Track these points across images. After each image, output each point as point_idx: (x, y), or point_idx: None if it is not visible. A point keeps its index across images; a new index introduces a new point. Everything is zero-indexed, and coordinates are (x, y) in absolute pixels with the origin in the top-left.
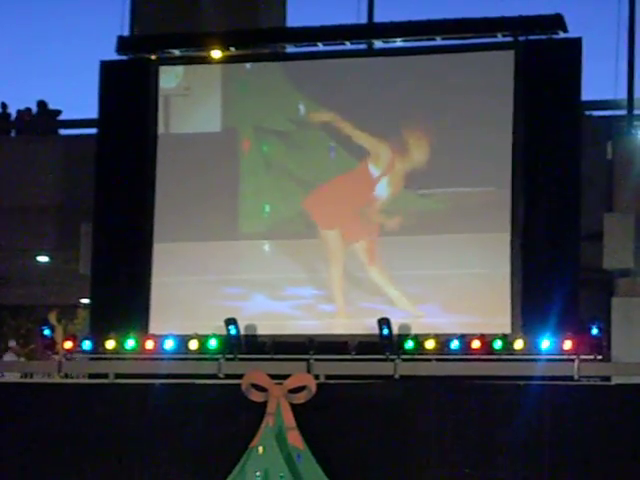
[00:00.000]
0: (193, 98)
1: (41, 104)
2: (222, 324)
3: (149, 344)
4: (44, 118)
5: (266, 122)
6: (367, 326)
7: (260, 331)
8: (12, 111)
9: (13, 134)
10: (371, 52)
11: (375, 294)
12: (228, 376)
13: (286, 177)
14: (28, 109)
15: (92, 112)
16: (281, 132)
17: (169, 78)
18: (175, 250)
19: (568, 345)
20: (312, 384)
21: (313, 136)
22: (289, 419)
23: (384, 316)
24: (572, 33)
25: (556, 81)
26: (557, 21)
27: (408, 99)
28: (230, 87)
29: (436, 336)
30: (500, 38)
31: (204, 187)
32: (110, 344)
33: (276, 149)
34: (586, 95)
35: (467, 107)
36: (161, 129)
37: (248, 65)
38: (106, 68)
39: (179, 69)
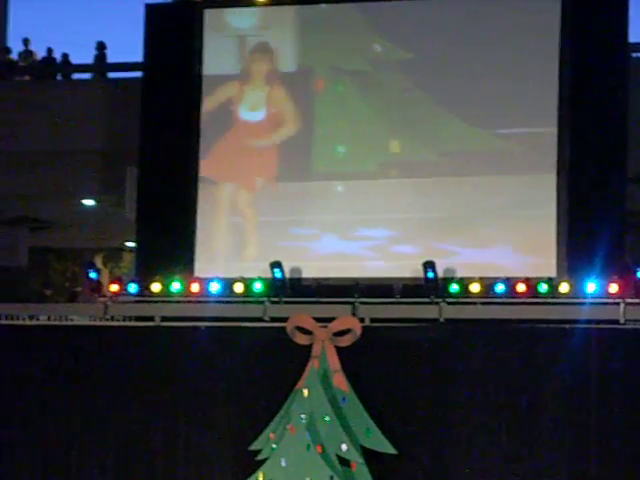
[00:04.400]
0: (269, 38)
1: (100, 45)
2: (267, 267)
3: (194, 287)
4: (91, 63)
5: (341, 62)
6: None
7: (333, 272)
8: (58, 54)
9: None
10: None
11: (444, 235)
12: (273, 319)
13: (361, 118)
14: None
15: (136, 56)
16: (356, 72)
17: (245, 18)
18: (222, 192)
19: (614, 288)
20: (357, 327)
21: (389, 76)
22: (334, 362)
23: (430, 259)
24: None
25: (603, 22)
26: None
27: (463, 43)
28: (305, 27)
29: (481, 279)
30: None
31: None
32: (156, 287)
33: (351, 89)
34: (633, 37)
35: (513, 49)
36: (234, 69)
37: (323, 5)
38: (151, 11)
39: (255, 9)
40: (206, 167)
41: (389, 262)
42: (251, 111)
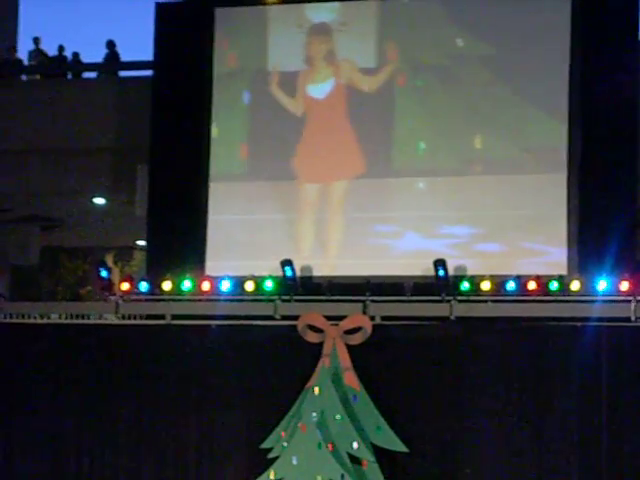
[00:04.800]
0: (349, 34)
1: (110, 44)
2: (278, 265)
3: (205, 285)
4: (102, 61)
5: (422, 57)
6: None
7: (416, 270)
8: (69, 53)
9: (69, 77)
10: None
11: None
12: (284, 317)
13: (443, 113)
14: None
15: (145, 54)
16: (438, 67)
17: (324, 14)
18: (232, 189)
19: (625, 286)
20: (368, 325)
21: (471, 71)
22: (345, 360)
23: (440, 258)
24: None
25: (614, 19)
26: None
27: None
28: (386, 22)
29: (492, 277)
30: None
31: (359, 125)
32: (167, 285)
33: (432, 84)
34: None
35: (522, 48)
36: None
37: None
38: (161, 10)
39: (335, 5)
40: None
41: (473, 260)
42: (318, 84)
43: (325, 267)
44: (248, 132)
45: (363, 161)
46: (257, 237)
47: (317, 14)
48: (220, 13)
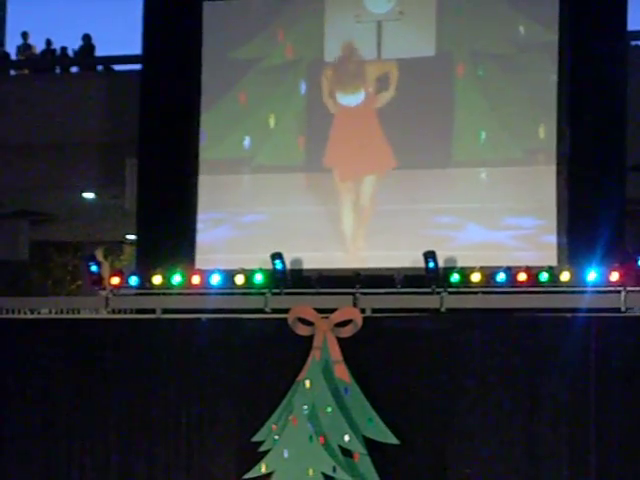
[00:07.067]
0: (407, 23)
1: (86, 37)
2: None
3: (195, 279)
4: (86, 56)
5: (483, 46)
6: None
7: (480, 262)
8: (57, 47)
9: (58, 71)
10: None
11: None
12: (274, 310)
13: (504, 102)
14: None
15: (127, 49)
16: (499, 55)
17: (381, 3)
18: (224, 183)
19: (615, 277)
20: (358, 317)
21: (534, 59)
22: (336, 353)
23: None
24: None
25: (602, 10)
26: None
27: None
28: (445, 10)
29: (482, 269)
30: None
31: (416, 113)
32: (157, 279)
33: (493, 73)
34: (632, 25)
35: (510, 39)
36: (373, 55)
37: None
38: (150, 3)
39: None
40: (328, 158)
41: (539, 252)
42: (347, 95)
43: (383, 259)
44: (306, 123)
45: (419, 152)
46: (300, 228)
47: (375, 3)
48: (208, 6)
